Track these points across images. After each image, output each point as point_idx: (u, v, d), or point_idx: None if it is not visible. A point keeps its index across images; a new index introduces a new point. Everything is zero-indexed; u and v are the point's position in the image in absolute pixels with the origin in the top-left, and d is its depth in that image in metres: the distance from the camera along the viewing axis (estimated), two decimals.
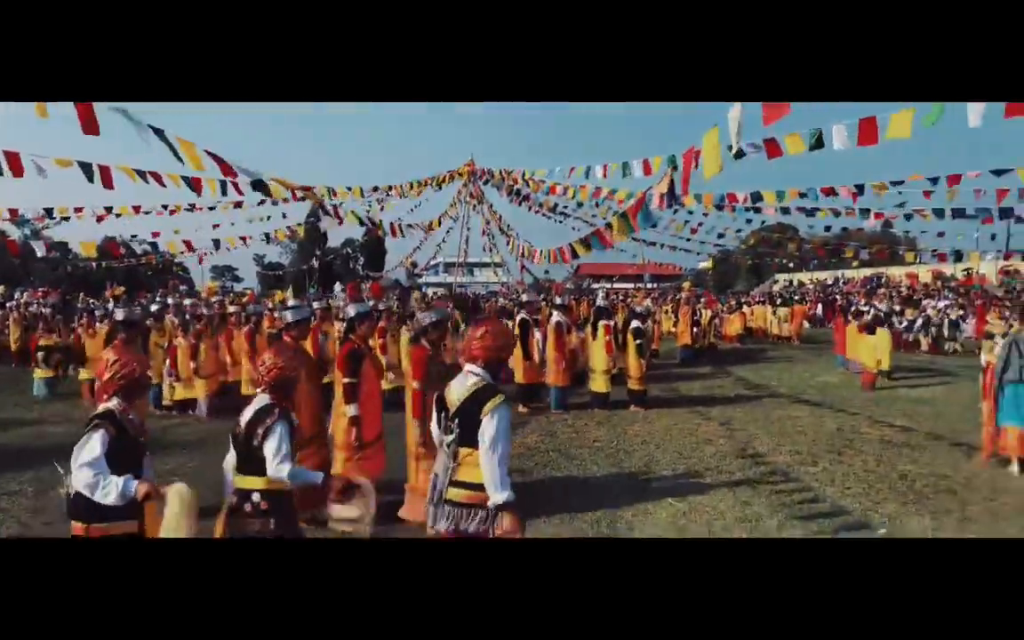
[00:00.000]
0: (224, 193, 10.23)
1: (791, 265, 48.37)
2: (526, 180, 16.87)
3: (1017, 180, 9.57)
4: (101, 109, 5.45)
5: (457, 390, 3.34)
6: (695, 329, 17.05)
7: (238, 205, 13.25)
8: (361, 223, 14.87)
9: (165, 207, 13.13)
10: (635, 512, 5.82)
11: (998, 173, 9.56)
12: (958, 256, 15.07)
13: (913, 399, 11.52)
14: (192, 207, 12.92)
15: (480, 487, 3.21)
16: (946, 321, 19.90)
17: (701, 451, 7.92)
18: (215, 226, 15.34)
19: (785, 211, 12.89)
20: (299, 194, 11.07)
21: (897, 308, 21.49)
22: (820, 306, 30.73)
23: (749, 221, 15.53)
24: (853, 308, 16.84)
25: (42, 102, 5.43)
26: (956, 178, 10.03)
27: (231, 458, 3.51)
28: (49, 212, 12.18)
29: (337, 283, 25.85)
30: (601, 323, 10.43)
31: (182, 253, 15.77)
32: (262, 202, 12.65)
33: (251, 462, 3.36)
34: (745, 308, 24.64)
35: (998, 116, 4.91)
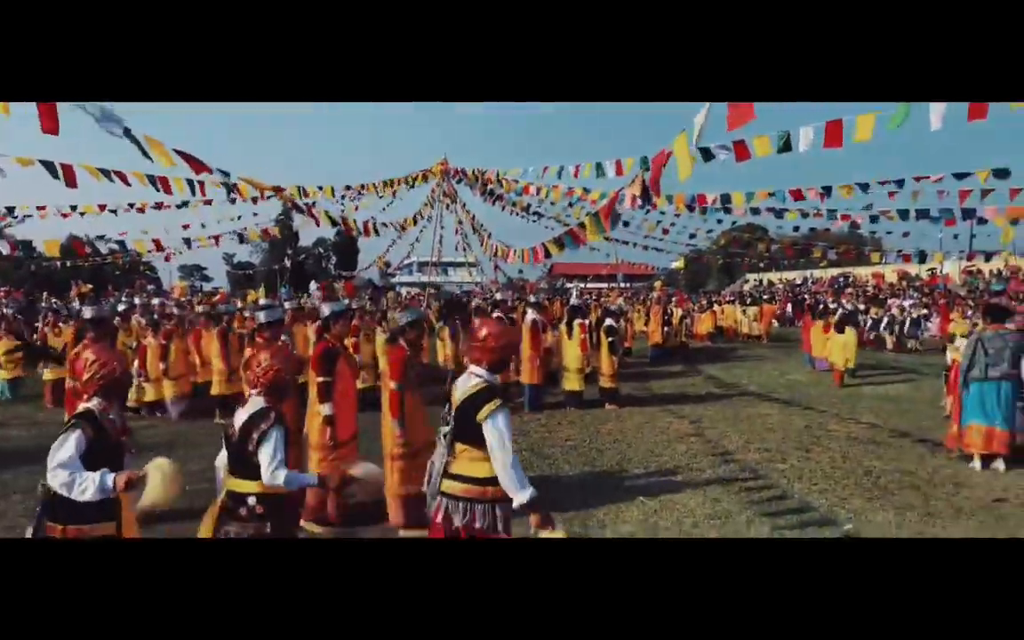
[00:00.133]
0: (193, 192, 10.12)
1: (761, 265, 49.02)
2: (499, 180, 16.89)
3: (978, 181, 9.83)
4: (64, 108, 5.34)
5: (460, 389, 3.37)
6: (666, 329, 17.23)
7: (208, 203, 13.09)
8: (334, 223, 14.78)
9: (132, 205, 12.92)
10: (607, 511, 5.87)
11: (959, 176, 9.82)
12: (922, 256, 15.42)
13: (879, 396, 11.77)
14: (159, 205, 12.73)
15: (471, 481, 3.26)
16: (908, 319, 20.36)
17: (673, 449, 8.01)
18: (185, 227, 15.14)
19: (755, 212, 13.09)
20: (267, 194, 10.97)
21: (862, 307, 21.94)
22: (790, 306, 31.19)
23: (720, 221, 15.76)
24: (820, 307, 17.14)
25: (4, 102, 5.32)
26: (919, 180, 10.28)
27: (223, 457, 3.47)
28: (11, 210, 11.92)
29: (313, 282, 25.61)
30: (576, 322, 10.50)
31: (150, 252, 15.51)
32: (232, 201, 12.51)
33: (245, 465, 3.32)
34: (716, 307, 24.92)
35: (962, 120, 5.07)
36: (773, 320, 25.07)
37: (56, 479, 2.98)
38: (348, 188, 16.89)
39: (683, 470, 7.16)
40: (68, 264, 23.55)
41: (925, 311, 22.08)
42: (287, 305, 11.71)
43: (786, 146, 6.34)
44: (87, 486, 2.97)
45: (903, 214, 11.70)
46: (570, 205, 15.70)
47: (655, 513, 5.84)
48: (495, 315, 11.08)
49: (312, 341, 7.75)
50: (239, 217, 16.15)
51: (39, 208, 11.75)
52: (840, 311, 14.64)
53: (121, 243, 16.69)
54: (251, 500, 3.30)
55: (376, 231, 18.48)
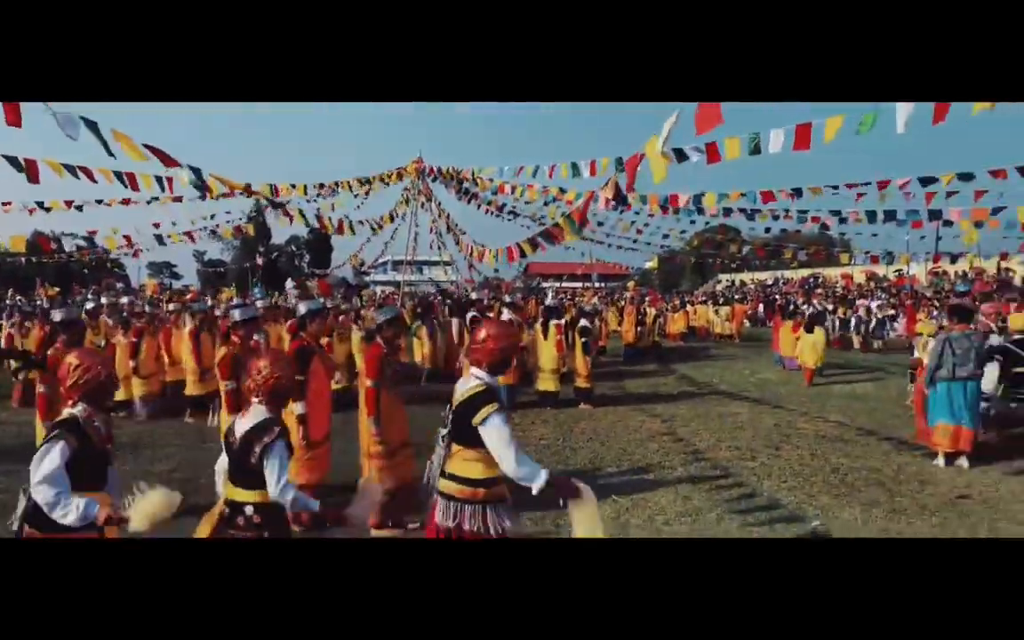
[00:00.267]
0: (162, 189, 9.96)
1: (734, 266, 49.59)
2: (475, 178, 16.86)
3: (942, 184, 10.07)
4: (28, 107, 5.25)
5: (459, 390, 3.37)
6: (639, 328, 17.37)
7: (178, 200, 12.88)
8: (307, 224, 14.64)
9: (100, 201, 12.66)
10: None
11: (924, 182, 10.06)
12: (890, 258, 15.73)
13: (847, 395, 12.00)
14: (126, 202, 12.48)
15: (464, 481, 3.27)
16: (874, 319, 20.78)
17: (645, 448, 8.09)
18: (156, 225, 14.90)
19: (727, 213, 13.25)
20: (237, 192, 10.84)
21: (830, 307, 22.33)
22: (761, 306, 31.60)
23: (693, 222, 15.90)
24: (791, 307, 17.40)
25: None
26: (885, 183, 10.49)
27: (223, 463, 3.42)
28: None
29: (289, 280, 25.32)
30: (552, 322, 10.52)
31: (120, 248, 15.23)
32: (203, 198, 12.33)
33: (245, 474, 3.26)
34: (689, 307, 25.19)
35: (928, 123, 5.19)
36: (745, 320, 25.42)
37: (40, 495, 2.90)
38: (322, 186, 16.73)
39: (655, 468, 7.23)
40: (33, 260, 23.06)
41: (892, 312, 22.53)
42: (259, 304, 11.59)
43: (756, 149, 6.44)
44: (70, 512, 2.89)
45: (871, 216, 11.93)
46: (545, 204, 15.73)
47: (627, 511, 5.89)
48: (469, 314, 11.07)
49: (287, 340, 7.68)
50: (212, 215, 15.95)
51: (4, 203, 11.47)
52: (810, 311, 14.89)
53: (90, 239, 16.39)
54: (248, 509, 3.24)
55: (352, 230, 18.34)
